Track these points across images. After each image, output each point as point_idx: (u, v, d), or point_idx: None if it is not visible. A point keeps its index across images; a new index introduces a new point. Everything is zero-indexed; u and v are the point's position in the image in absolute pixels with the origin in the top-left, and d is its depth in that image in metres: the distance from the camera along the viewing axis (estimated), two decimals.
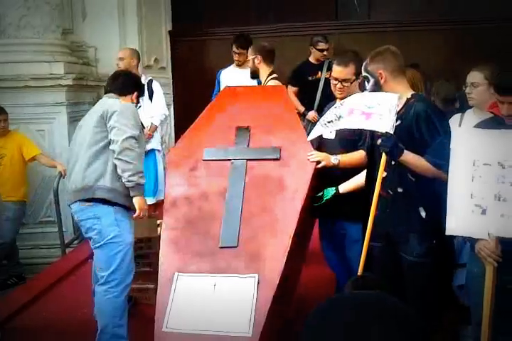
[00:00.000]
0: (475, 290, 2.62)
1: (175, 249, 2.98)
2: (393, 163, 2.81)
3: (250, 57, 4.37)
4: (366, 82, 2.91)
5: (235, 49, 5.52)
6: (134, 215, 3.30)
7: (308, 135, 3.40)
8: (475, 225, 2.41)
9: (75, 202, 3.27)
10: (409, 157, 2.75)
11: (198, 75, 7.13)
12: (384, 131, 2.71)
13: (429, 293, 2.90)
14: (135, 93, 3.56)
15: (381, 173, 2.82)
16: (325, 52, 5.74)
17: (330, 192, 3.21)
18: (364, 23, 6.81)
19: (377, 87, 2.85)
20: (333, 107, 3.10)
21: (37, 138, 5.50)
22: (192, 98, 6.30)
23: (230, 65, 5.73)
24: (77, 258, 4.73)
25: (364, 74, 2.90)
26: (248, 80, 5.02)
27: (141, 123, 3.53)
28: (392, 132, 2.71)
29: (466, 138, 2.51)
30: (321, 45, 5.74)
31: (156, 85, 5.61)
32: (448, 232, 2.50)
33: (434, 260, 2.86)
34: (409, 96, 2.86)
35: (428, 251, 2.84)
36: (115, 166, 3.22)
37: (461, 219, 2.45)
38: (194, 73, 7.26)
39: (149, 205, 5.45)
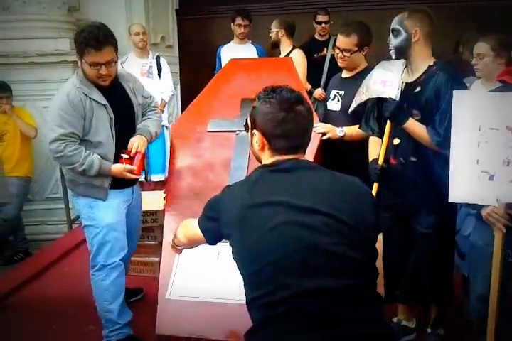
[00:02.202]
0: (477, 261, 2.61)
1: (179, 218, 2.98)
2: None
3: (274, 29, 5.04)
4: (393, 36, 2.80)
5: (240, 21, 5.54)
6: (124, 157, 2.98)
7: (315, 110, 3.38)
8: (482, 191, 2.36)
9: None
10: (413, 125, 2.74)
11: (204, 54, 7.05)
12: (388, 97, 2.71)
13: (437, 265, 2.90)
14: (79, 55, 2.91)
15: (386, 139, 2.83)
16: (323, 25, 5.67)
17: None
18: (373, 0, 6.69)
19: (407, 44, 2.76)
20: (366, 78, 3.06)
21: (43, 114, 5.46)
22: (198, 77, 6.21)
23: (229, 42, 5.76)
24: (83, 233, 4.70)
25: (396, 26, 2.78)
26: (249, 56, 5.10)
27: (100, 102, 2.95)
28: (397, 98, 2.69)
29: (469, 102, 2.45)
30: (319, 17, 5.68)
31: (163, 62, 5.65)
32: (451, 199, 2.45)
33: (442, 231, 2.85)
34: (431, 63, 2.78)
35: (438, 223, 2.82)
36: None
37: (466, 185, 2.40)
38: (200, 52, 7.19)
39: (158, 182, 5.51)
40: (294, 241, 1.64)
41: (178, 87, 7.36)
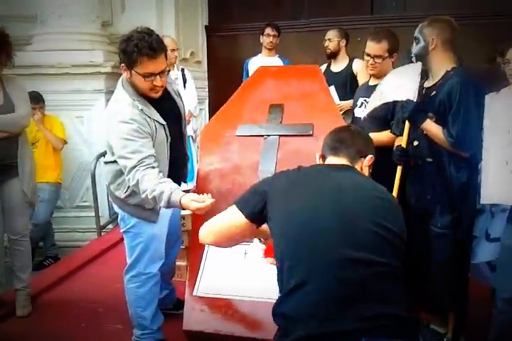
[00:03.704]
0: (507, 262, 2.62)
1: (207, 217, 3.03)
2: (424, 132, 2.85)
3: (335, 39, 4.97)
4: (415, 43, 2.92)
5: (269, 31, 5.62)
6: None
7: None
8: (510, 192, 2.42)
9: None
10: (430, 126, 2.80)
11: (232, 70, 7.18)
12: (406, 99, 2.81)
13: (452, 268, 2.89)
14: (122, 64, 2.67)
15: (405, 140, 2.91)
16: None
17: None
18: (399, 18, 6.75)
19: (424, 51, 2.87)
20: (379, 83, 3.16)
21: (76, 124, 5.65)
22: (226, 93, 6.29)
23: (257, 54, 5.83)
24: (112, 239, 4.82)
25: (417, 34, 2.90)
26: None
27: (158, 122, 2.77)
28: (414, 99, 2.80)
29: (500, 106, 2.52)
30: None
31: (188, 74, 5.73)
32: (483, 201, 2.55)
33: (456, 233, 2.86)
34: (449, 68, 2.85)
35: (452, 223, 2.84)
36: (121, 175, 2.81)
37: (496, 186, 2.49)
38: (228, 68, 7.32)
39: (186, 190, 5.57)
40: (337, 216, 1.77)
41: (206, 102, 7.50)
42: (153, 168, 2.63)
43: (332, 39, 4.98)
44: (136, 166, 2.60)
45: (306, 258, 1.72)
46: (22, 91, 3.63)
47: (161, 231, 3.01)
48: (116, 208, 3.03)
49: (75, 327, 3.43)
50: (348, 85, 4.77)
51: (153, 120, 2.74)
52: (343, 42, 4.99)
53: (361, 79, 4.76)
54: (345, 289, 1.66)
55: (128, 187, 2.83)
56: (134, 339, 3.14)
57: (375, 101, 3.09)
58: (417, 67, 2.91)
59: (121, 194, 2.87)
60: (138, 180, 2.58)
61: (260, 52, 5.84)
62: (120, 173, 2.81)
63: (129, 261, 3.03)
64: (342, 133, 2.15)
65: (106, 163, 2.96)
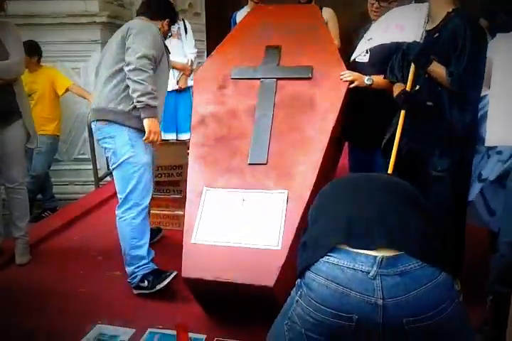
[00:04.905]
0: (510, 207, 2.58)
1: (203, 164, 2.98)
2: (426, 76, 2.79)
3: None
4: None
5: None
6: (143, 138, 3.07)
7: None
8: None
9: (94, 120, 3.22)
10: (436, 67, 2.76)
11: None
12: (411, 41, 2.77)
13: (450, 212, 2.86)
14: (166, 19, 3.36)
15: (410, 83, 2.84)
16: None
17: None
18: None
19: None
20: (373, 25, 3.08)
21: (72, 75, 5.54)
22: None
23: (243, 7, 5.73)
24: (111, 190, 4.76)
25: None
26: None
27: (166, 48, 3.30)
28: (420, 41, 2.76)
29: (506, 49, 2.47)
30: None
31: (187, 23, 5.65)
32: (488, 143, 2.54)
33: (455, 177, 2.84)
34: (449, 10, 2.82)
35: (451, 166, 2.82)
36: (127, 88, 3.07)
37: (501, 129, 2.46)
38: (228, 21, 7.16)
39: (182, 140, 5.51)
40: None
41: (205, 54, 7.33)
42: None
43: None
44: (149, 58, 3.00)
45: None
46: (16, 38, 3.53)
47: (150, 161, 3.23)
48: (111, 130, 3.11)
49: (74, 274, 3.43)
50: None
51: (164, 45, 3.24)
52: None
53: (331, 28, 4.73)
54: (363, 210, 1.66)
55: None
56: (130, 279, 3.15)
57: (365, 44, 3.08)
58: (424, 7, 2.85)
59: (126, 107, 3.08)
60: (150, 73, 3.00)
61: (246, 5, 5.74)
62: (125, 87, 3.06)
63: (122, 195, 3.14)
64: None
65: (110, 77, 3.12)
